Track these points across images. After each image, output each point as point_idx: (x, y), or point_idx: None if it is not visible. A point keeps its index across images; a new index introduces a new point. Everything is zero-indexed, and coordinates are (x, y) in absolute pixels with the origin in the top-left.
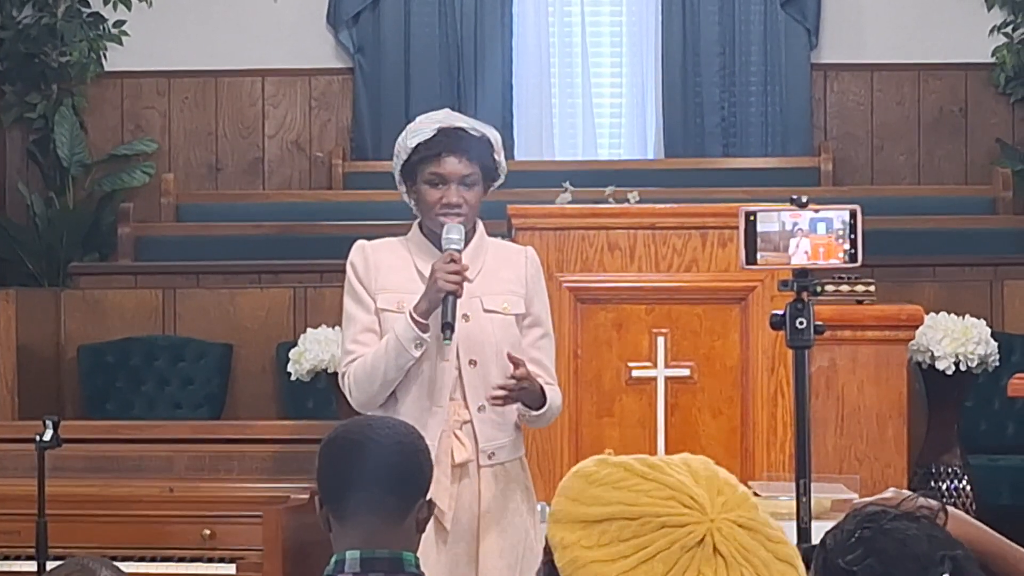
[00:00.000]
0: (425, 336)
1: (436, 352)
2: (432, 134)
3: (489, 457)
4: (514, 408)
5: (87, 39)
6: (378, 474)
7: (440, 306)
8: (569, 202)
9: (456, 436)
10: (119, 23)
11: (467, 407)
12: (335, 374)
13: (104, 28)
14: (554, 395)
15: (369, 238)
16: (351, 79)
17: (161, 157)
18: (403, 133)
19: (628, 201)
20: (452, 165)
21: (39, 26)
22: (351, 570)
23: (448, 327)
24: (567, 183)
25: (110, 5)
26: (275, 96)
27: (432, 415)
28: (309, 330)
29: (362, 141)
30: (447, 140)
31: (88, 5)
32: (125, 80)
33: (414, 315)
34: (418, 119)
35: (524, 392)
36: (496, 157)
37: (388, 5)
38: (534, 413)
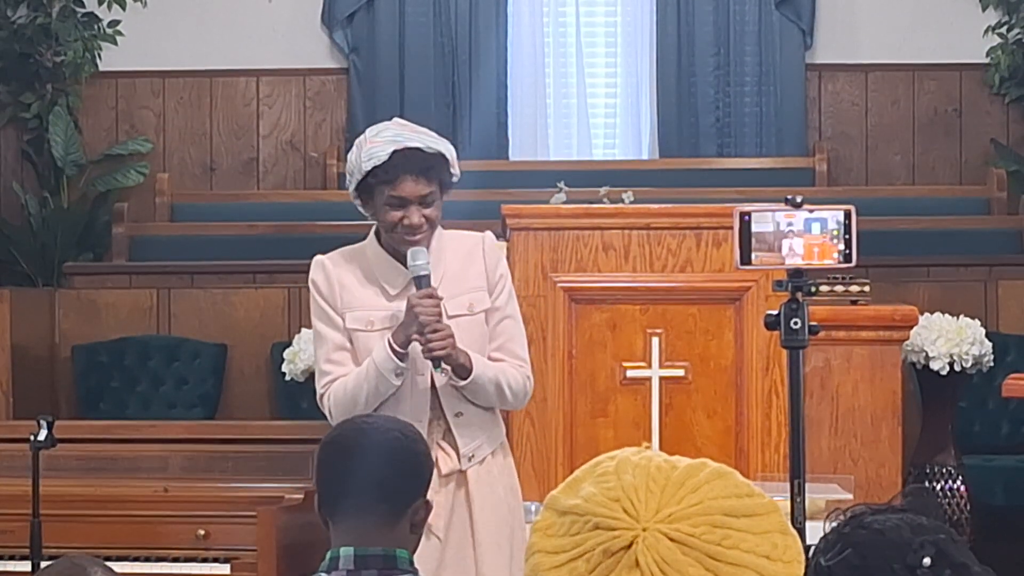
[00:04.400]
0: (404, 365)
1: (411, 368)
2: (388, 157)
3: (470, 459)
4: (491, 408)
5: (82, 39)
6: (369, 478)
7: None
8: (564, 202)
9: (440, 447)
10: (114, 23)
11: (444, 416)
12: None
13: (99, 28)
14: (504, 372)
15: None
16: (345, 79)
17: (156, 157)
18: (355, 150)
19: (623, 201)
20: (411, 187)
21: (34, 26)
22: (345, 567)
23: (438, 360)
24: (562, 183)
25: (105, 5)
26: (270, 96)
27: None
28: (304, 330)
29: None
30: (404, 162)
31: (83, 5)
32: (120, 80)
33: (394, 345)
34: (369, 135)
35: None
36: (452, 170)
37: (382, 5)
38: (461, 382)
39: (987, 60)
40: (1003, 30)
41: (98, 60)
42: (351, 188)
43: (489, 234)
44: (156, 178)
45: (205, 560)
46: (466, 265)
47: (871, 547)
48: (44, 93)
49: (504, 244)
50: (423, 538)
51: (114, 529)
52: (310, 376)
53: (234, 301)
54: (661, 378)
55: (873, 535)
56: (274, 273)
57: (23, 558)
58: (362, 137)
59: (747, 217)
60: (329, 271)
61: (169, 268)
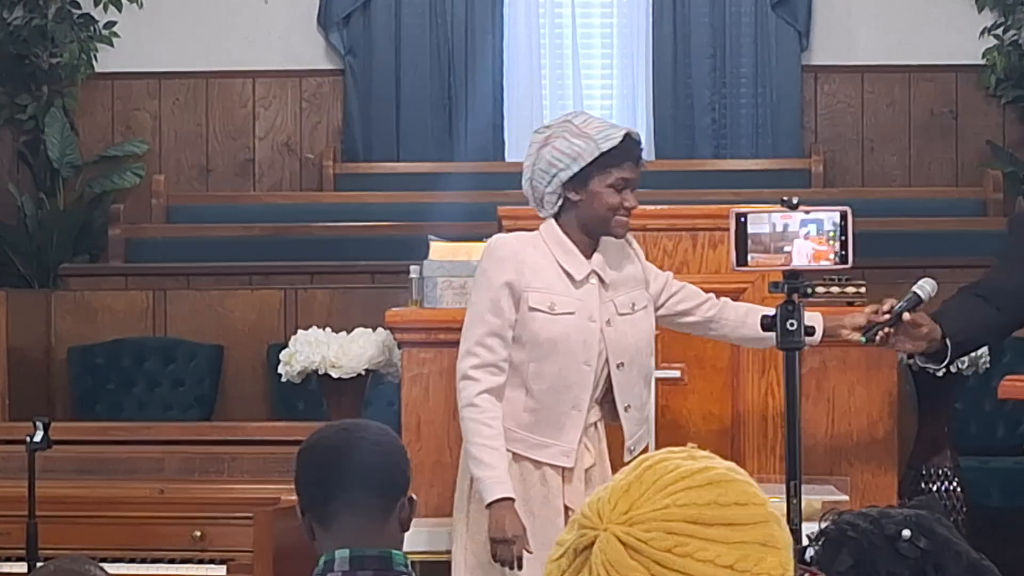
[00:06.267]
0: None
1: (579, 356)
2: (622, 140)
3: (631, 452)
4: (648, 401)
5: (78, 40)
6: (358, 479)
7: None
8: None
9: (583, 442)
10: (110, 24)
11: (603, 408)
12: (326, 375)
13: (95, 29)
14: (735, 305)
15: (361, 240)
16: (342, 80)
17: (152, 158)
18: (574, 138)
19: None
20: (634, 171)
21: (29, 27)
22: (340, 568)
23: None
24: None
25: (100, 6)
26: (266, 97)
27: (570, 418)
28: (300, 331)
29: (353, 143)
30: (633, 147)
31: (79, 6)
32: (116, 81)
33: (503, 497)
34: (579, 122)
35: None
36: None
37: (379, 6)
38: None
39: (983, 62)
40: (999, 31)
41: (94, 61)
42: (568, 174)
43: (630, 235)
44: (152, 180)
45: (201, 562)
46: (624, 264)
47: (852, 523)
48: (40, 95)
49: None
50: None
51: (110, 531)
52: (306, 377)
53: (230, 303)
54: (657, 379)
55: (856, 515)
56: (270, 275)
57: (19, 559)
58: (569, 126)
59: (743, 218)
60: (516, 249)
61: (165, 270)
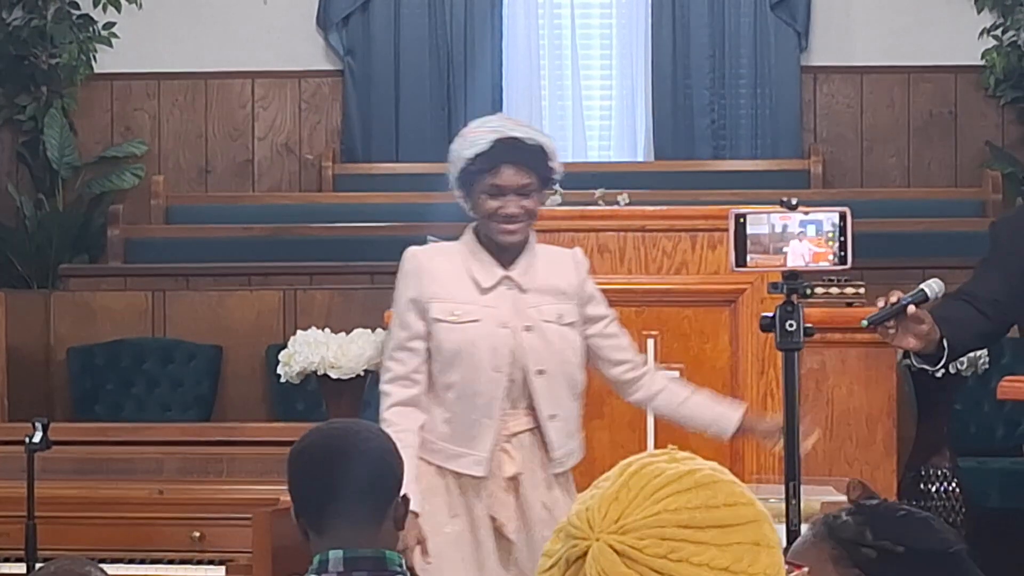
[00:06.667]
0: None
1: (487, 363)
2: (489, 145)
3: (561, 464)
4: (578, 415)
5: (77, 41)
6: (349, 488)
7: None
8: (559, 204)
9: (505, 450)
10: (109, 25)
11: (531, 416)
12: (325, 376)
13: (94, 30)
14: (660, 376)
15: (360, 240)
16: (341, 81)
17: (151, 159)
18: (458, 140)
19: (618, 203)
20: (509, 176)
21: (29, 28)
22: (335, 569)
23: None
24: (557, 185)
25: (100, 7)
26: (265, 98)
27: (482, 427)
28: (299, 332)
29: (352, 143)
30: (505, 150)
31: (78, 7)
32: (115, 82)
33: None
34: (472, 126)
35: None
36: (551, 164)
37: (378, 7)
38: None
39: (982, 62)
40: (998, 32)
41: (93, 62)
42: (453, 180)
43: (578, 251)
44: (151, 180)
45: (200, 562)
46: (555, 276)
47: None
48: (39, 95)
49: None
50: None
51: (109, 531)
52: (305, 378)
53: (229, 303)
54: None
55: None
56: (269, 275)
57: (18, 560)
58: (465, 128)
59: (742, 219)
60: (421, 261)
61: (164, 270)
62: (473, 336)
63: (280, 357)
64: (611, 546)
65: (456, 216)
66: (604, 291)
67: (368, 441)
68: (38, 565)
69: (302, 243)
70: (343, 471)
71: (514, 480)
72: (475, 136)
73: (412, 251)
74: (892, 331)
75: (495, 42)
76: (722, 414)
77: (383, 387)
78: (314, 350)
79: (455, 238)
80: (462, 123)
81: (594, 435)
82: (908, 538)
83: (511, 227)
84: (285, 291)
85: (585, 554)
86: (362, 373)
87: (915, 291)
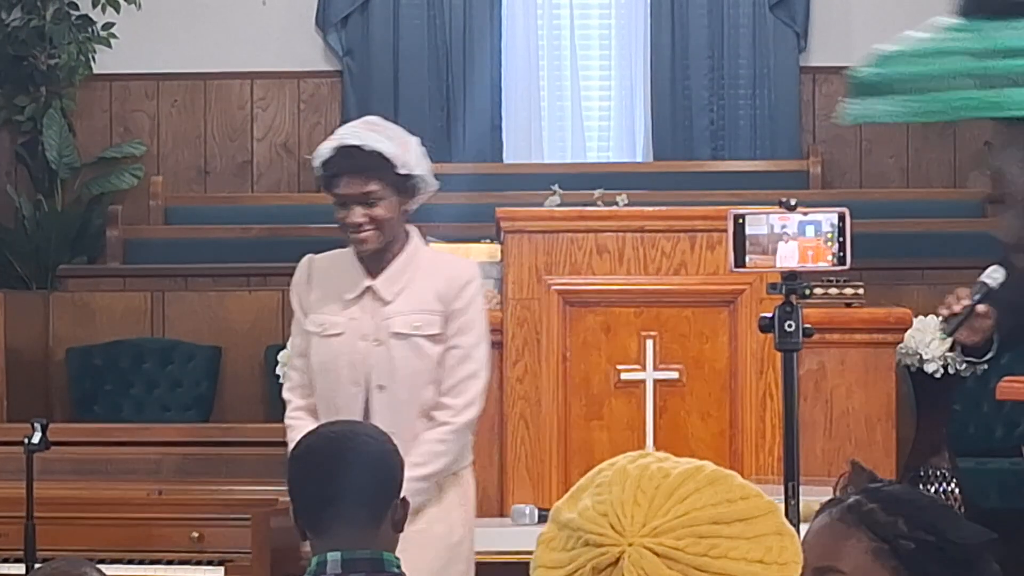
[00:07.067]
0: None
1: (346, 377)
2: (330, 154)
3: None
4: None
5: (76, 42)
6: (351, 487)
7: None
8: (558, 205)
9: None
10: (108, 26)
11: None
12: None
13: (93, 31)
14: (425, 466)
15: None
16: (340, 82)
17: (150, 160)
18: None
19: (617, 204)
20: (348, 185)
21: (27, 28)
22: (333, 571)
23: None
24: (556, 186)
25: (99, 8)
26: (264, 99)
27: None
28: None
29: None
30: (342, 160)
31: (77, 8)
32: (114, 83)
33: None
34: (334, 134)
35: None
36: (400, 170)
37: (377, 8)
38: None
39: None
40: None
41: (92, 63)
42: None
43: (472, 266)
44: (150, 181)
45: (199, 563)
46: (430, 284)
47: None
48: (38, 96)
49: (487, 285)
50: None
51: (108, 532)
52: None
53: (228, 304)
54: (655, 381)
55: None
56: (268, 276)
57: (17, 561)
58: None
59: (741, 220)
60: (311, 272)
61: (163, 271)
62: (336, 350)
63: (279, 358)
64: (650, 549)
65: (455, 217)
66: (603, 291)
67: (368, 444)
68: (37, 566)
69: (301, 243)
70: (342, 473)
71: None
72: (322, 145)
73: (305, 260)
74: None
75: (494, 43)
76: None
77: (284, 394)
78: None
79: (454, 240)
80: (461, 124)
81: (593, 435)
82: (943, 529)
83: (359, 236)
84: (284, 291)
85: (616, 561)
86: None
87: (978, 286)
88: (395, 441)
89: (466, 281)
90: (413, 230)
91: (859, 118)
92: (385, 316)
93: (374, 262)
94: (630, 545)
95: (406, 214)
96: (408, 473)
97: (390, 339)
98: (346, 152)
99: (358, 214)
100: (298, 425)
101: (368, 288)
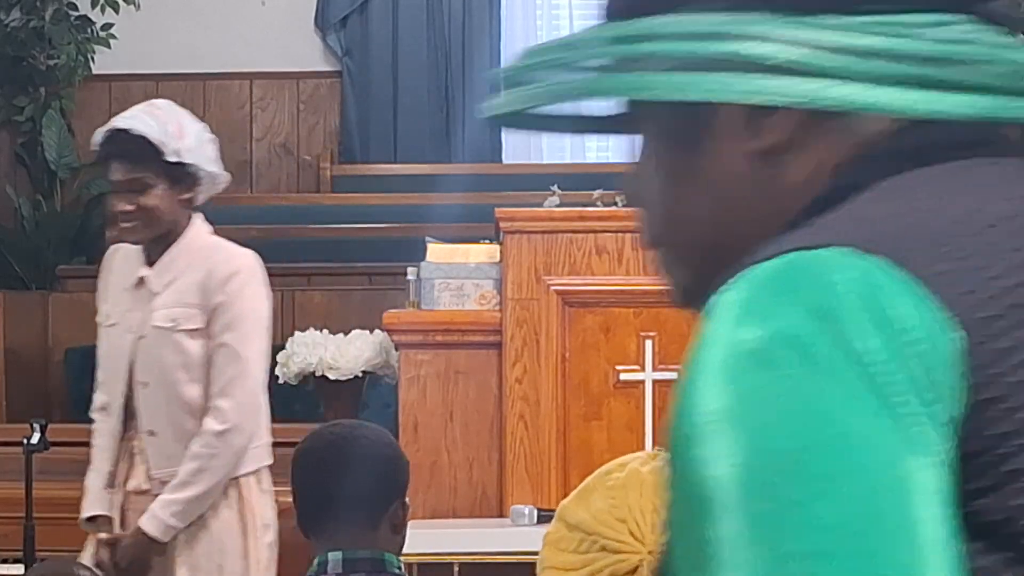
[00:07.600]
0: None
1: (116, 372)
2: (103, 138)
3: (162, 484)
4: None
5: (75, 42)
6: (352, 487)
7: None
8: (557, 205)
9: (132, 463)
10: (107, 26)
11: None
12: (323, 377)
13: (92, 31)
14: (198, 472)
15: (358, 241)
16: (339, 82)
17: None
18: None
19: (616, 204)
20: (115, 172)
21: (26, 29)
22: (334, 571)
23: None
24: (555, 186)
25: (98, 8)
26: (263, 99)
27: (115, 441)
28: (297, 333)
29: (350, 144)
30: (110, 145)
31: (76, 8)
32: (113, 83)
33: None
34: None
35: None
36: (168, 158)
37: (376, 8)
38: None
39: None
40: None
41: (91, 63)
42: None
43: (247, 257)
44: None
45: None
46: (196, 276)
47: None
48: (37, 96)
49: (256, 273)
50: None
51: None
52: (303, 379)
53: None
54: (655, 381)
55: None
56: (267, 276)
57: (16, 561)
58: None
59: None
60: (112, 261)
61: None
62: (110, 342)
63: (278, 358)
64: None
65: (454, 217)
66: (602, 291)
67: (370, 444)
68: (33, 566)
69: (300, 244)
70: (343, 473)
71: (144, 494)
72: (99, 129)
73: (111, 248)
74: None
75: (493, 43)
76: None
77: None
78: (312, 351)
79: (454, 240)
80: (461, 124)
81: (592, 435)
82: None
83: (123, 225)
84: (283, 292)
85: (635, 569)
86: (360, 374)
87: None
88: (157, 439)
89: (230, 273)
90: (197, 218)
91: (491, 111)
92: (152, 309)
93: (154, 253)
94: (649, 553)
95: (187, 204)
96: (168, 496)
97: (152, 331)
98: (113, 136)
99: (124, 202)
100: (96, 428)
101: (141, 279)
